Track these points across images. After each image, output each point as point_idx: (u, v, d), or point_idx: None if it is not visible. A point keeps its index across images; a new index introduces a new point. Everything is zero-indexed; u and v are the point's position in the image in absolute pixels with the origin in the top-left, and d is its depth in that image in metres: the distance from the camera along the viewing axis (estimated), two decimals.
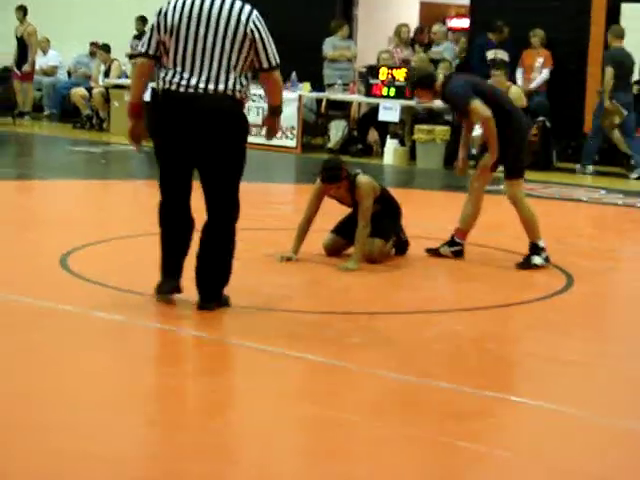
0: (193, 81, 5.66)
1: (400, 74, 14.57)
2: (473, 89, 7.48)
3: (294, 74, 15.28)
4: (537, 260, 7.53)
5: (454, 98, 7.57)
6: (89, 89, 17.54)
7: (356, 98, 15.45)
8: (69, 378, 4.81)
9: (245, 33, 5.66)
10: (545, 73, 14.64)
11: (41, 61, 18.86)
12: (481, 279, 7.27)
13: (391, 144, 14.56)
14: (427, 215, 9.94)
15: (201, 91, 5.65)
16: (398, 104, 14.42)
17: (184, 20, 5.67)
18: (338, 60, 15.88)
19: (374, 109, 14.93)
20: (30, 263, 7.11)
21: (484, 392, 4.82)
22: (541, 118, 13.96)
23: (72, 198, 10.84)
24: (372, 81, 14.74)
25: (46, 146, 16.03)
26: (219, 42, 5.65)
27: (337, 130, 15.49)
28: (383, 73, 14.68)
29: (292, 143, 15.16)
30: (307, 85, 15.48)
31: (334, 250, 7.71)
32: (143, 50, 5.80)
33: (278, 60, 5.81)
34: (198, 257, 5.92)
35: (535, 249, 7.55)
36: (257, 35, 5.70)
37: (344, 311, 6.26)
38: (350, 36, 16.42)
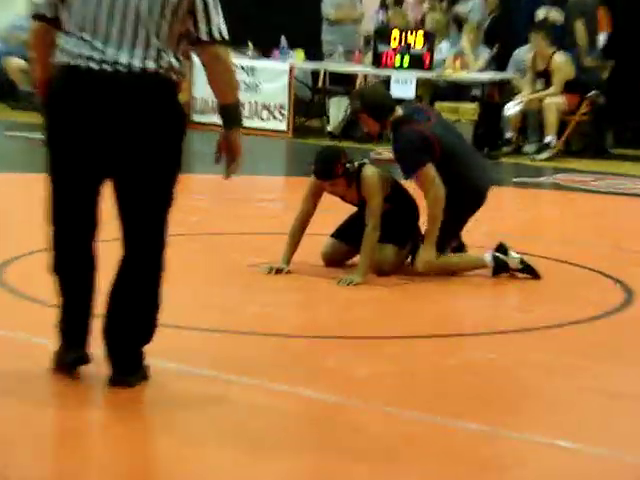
0: (110, 53, 4.92)
1: (417, 39, 14.52)
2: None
3: (283, 39, 15.22)
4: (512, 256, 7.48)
5: (403, 155, 7.52)
6: (28, 60, 17.54)
7: (362, 69, 15.47)
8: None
9: None
10: (601, 39, 14.61)
11: None
12: (515, 294, 7.29)
13: None
14: None
15: (123, 69, 4.91)
16: (414, 76, 14.45)
17: None
18: (341, 22, 15.89)
19: (384, 83, 14.96)
20: None
21: (524, 435, 4.83)
22: (593, 92, 13.94)
23: (9, 195, 10.84)
24: (381, 48, 14.74)
25: None
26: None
27: (338, 110, 15.51)
28: (395, 38, 14.65)
29: (282, 125, 15.19)
30: (300, 53, 15.46)
31: (335, 259, 7.72)
32: (39, 11, 5.09)
33: (226, 35, 5.04)
34: (108, 314, 5.18)
35: (500, 250, 7.50)
36: None
37: (346, 335, 6.27)
38: None
